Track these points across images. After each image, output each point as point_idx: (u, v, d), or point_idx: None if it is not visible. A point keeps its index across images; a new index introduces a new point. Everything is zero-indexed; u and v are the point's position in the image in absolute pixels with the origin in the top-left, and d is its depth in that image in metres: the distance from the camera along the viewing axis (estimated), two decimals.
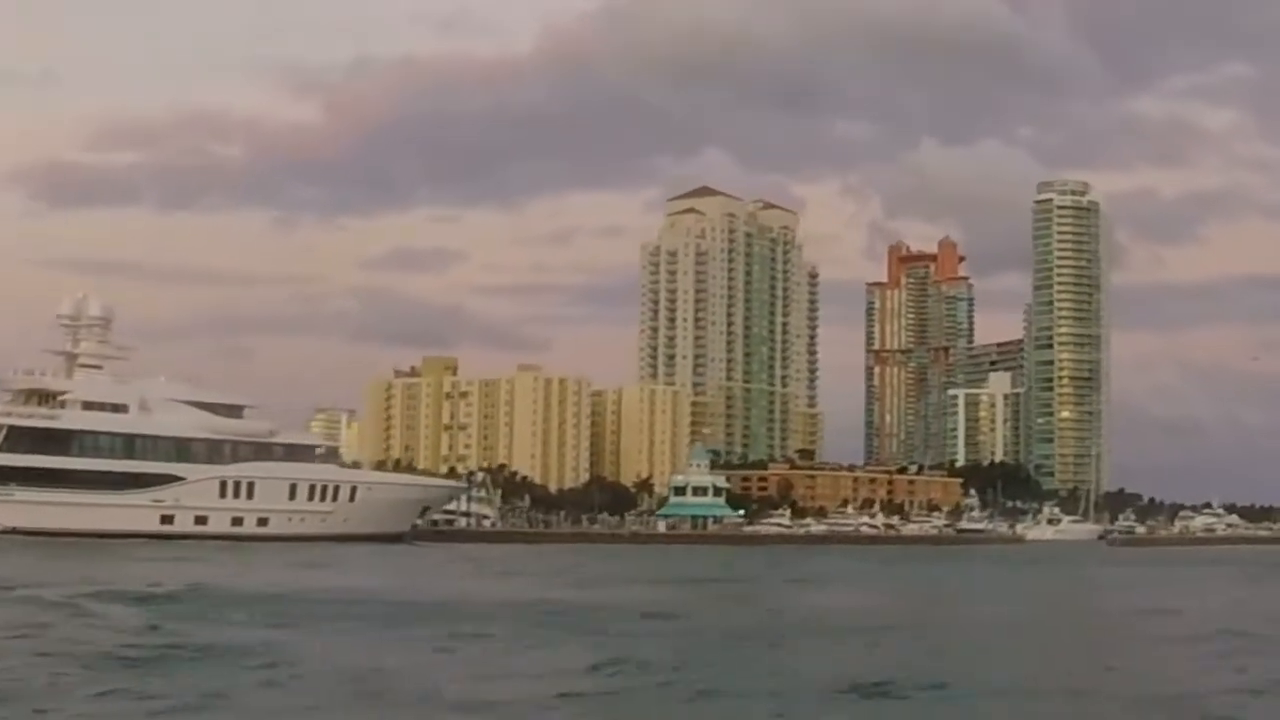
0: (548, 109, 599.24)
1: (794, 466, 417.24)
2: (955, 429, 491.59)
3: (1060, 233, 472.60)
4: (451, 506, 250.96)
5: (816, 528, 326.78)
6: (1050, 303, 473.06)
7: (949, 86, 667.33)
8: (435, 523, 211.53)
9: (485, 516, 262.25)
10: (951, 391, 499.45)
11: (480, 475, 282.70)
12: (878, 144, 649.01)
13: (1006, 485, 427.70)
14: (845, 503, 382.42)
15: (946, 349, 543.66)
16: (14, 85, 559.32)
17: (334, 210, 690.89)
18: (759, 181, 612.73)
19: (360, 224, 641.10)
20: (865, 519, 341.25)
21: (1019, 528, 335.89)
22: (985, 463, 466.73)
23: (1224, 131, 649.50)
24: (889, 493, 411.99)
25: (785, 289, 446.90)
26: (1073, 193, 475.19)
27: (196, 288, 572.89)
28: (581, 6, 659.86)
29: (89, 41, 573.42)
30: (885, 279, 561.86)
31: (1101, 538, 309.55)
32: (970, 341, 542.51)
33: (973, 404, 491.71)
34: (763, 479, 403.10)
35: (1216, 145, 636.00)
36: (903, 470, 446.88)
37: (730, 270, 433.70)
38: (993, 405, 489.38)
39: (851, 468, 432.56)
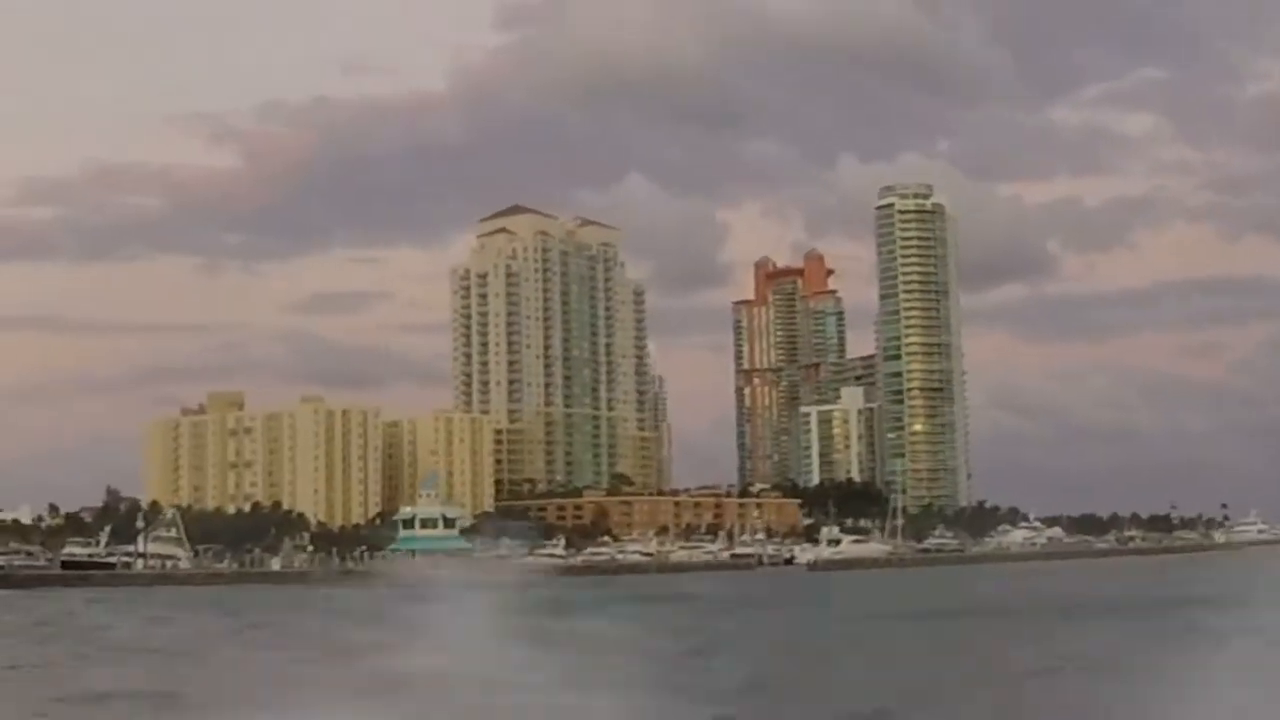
0: (463, 144, 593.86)
1: (610, 493, 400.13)
2: (809, 447, 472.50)
3: (904, 238, 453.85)
4: (132, 548, 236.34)
5: (576, 558, 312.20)
6: (896, 311, 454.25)
7: (866, 101, 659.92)
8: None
9: (171, 557, 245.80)
10: (804, 409, 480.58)
11: (170, 513, 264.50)
12: (796, 163, 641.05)
13: (852, 504, 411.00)
14: (664, 529, 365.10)
15: (817, 365, 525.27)
16: None
17: (255, 255, 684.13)
18: (681, 206, 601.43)
19: (281, 268, 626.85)
20: (637, 546, 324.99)
21: (797, 550, 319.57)
22: (841, 481, 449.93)
23: (1143, 136, 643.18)
24: (716, 517, 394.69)
25: (608, 308, 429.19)
26: (916, 196, 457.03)
27: (120, 338, 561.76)
28: (491, 41, 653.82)
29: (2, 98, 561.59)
30: (753, 297, 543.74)
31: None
32: (841, 356, 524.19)
33: (826, 421, 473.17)
34: (578, 507, 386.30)
35: (1137, 151, 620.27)
36: (745, 493, 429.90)
37: (545, 291, 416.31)
38: (846, 421, 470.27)
39: (675, 492, 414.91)
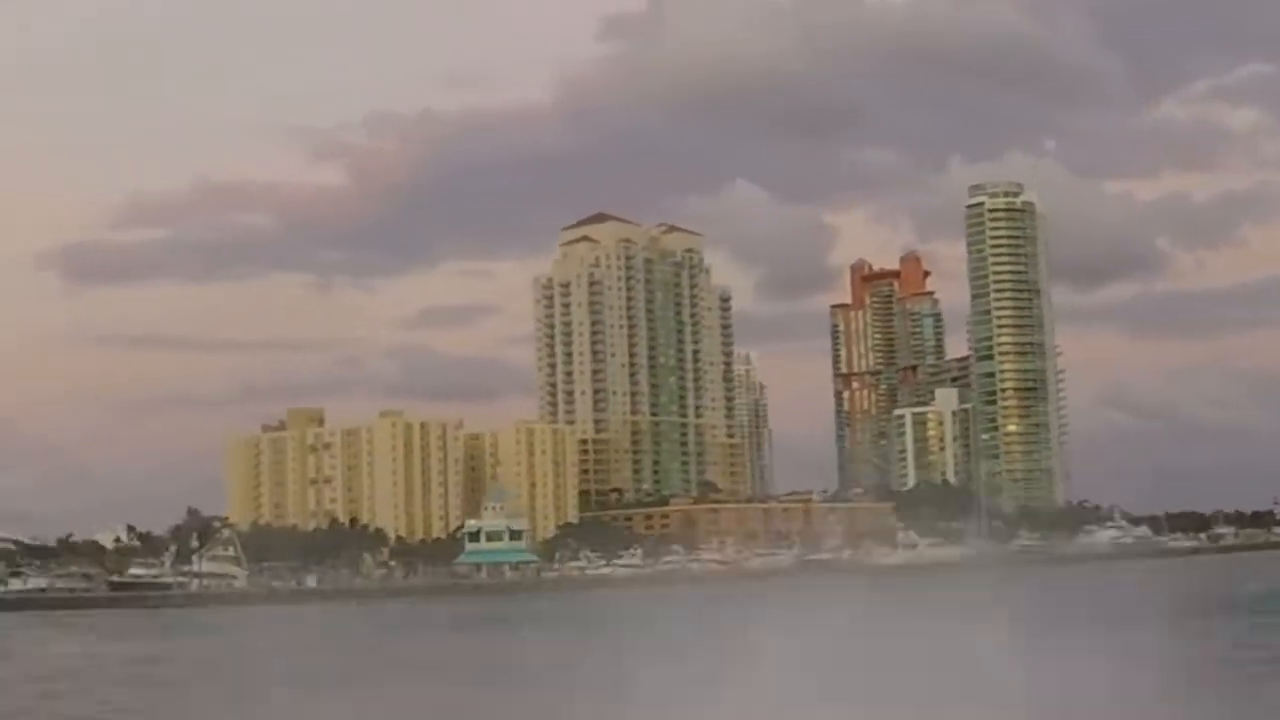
0: (568, 155, 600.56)
1: (696, 501, 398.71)
2: (904, 450, 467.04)
3: (994, 237, 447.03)
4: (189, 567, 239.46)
5: (660, 567, 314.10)
6: (987, 311, 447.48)
7: (972, 104, 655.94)
8: (43, 589, 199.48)
9: (228, 576, 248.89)
10: (898, 411, 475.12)
11: (226, 531, 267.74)
12: (904, 167, 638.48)
13: (947, 506, 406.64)
14: (752, 536, 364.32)
15: (914, 367, 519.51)
16: (34, 165, 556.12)
17: (365, 271, 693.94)
18: (789, 213, 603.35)
19: (390, 283, 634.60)
20: (714, 554, 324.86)
21: (876, 554, 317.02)
22: (937, 483, 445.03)
23: (1249, 131, 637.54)
24: (807, 523, 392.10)
25: (694, 315, 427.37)
26: (1005, 194, 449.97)
27: (230, 356, 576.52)
28: (594, 52, 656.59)
29: (105, 118, 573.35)
30: (850, 300, 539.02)
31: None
32: (940, 358, 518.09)
33: (920, 423, 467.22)
34: (664, 516, 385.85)
35: (1243, 145, 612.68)
36: (838, 497, 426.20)
37: (629, 299, 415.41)
38: (940, 423, 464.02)
39: (765, 499, 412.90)
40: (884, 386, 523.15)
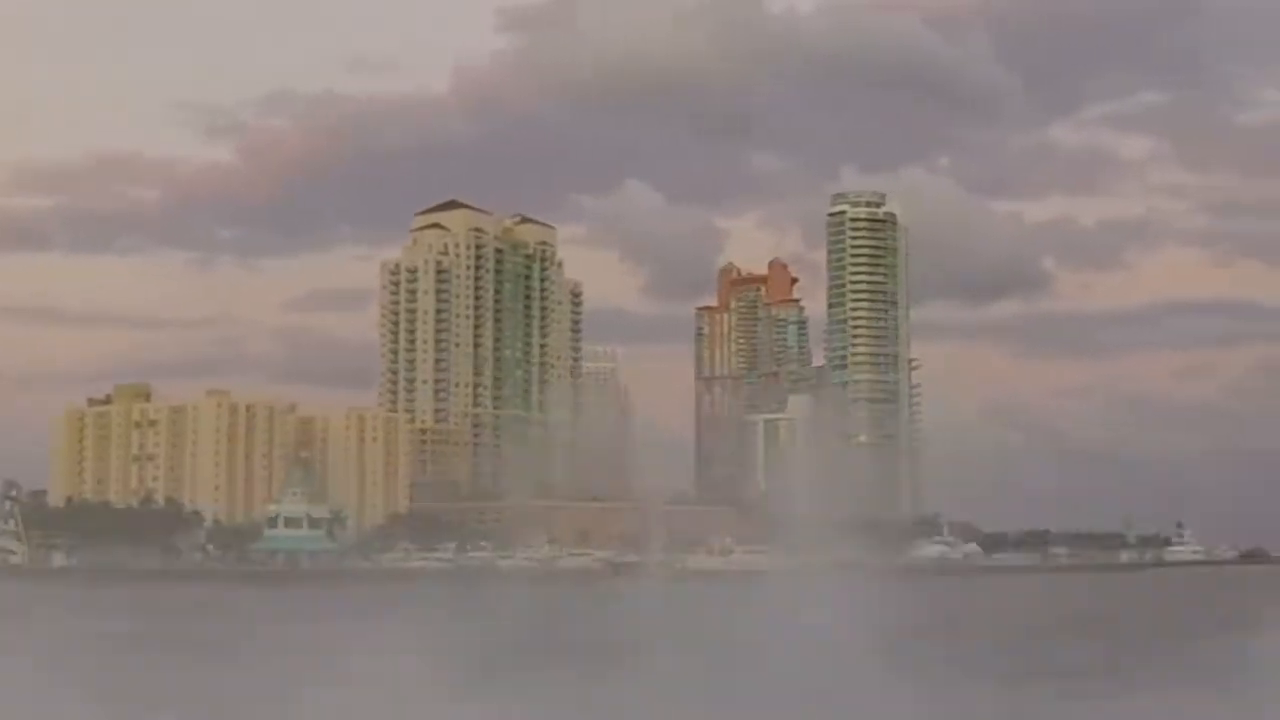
0: (466, 145, 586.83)
1: (533, 498, 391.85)
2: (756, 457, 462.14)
3: (854, 247, 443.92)
4: None
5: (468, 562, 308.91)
6: (844, 321, 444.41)
7: (873, 116, 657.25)
8: None
9: (6, 550, 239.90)
10: (750, 417, 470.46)
11: (7, 504, 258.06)
12: (799, 175, 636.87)
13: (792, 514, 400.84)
14: (585, 536, 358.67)
15: (776, 374, 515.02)
16: None
17: (252, 251, 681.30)
18: (681, 214, 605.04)
19: (279, 264, 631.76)
20: (526, 553, 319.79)
21: (690, 559, 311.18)
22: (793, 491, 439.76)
23: (1141, 159, 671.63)
24: (644, 525, 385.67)
25: (544, 308, 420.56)
26: (868, 204, 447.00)
27: (114, 330, 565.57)
28: (496, 44, 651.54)
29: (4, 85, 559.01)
30: (716, 304, 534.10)
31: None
32: (804, 365, 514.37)
33: (772, 430, 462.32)
34: (499, 511, 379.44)
35: (1134, 173, 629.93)
36: (680, 500, 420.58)
37: (478, 289, 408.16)
38: (792, 431, 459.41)
39: (604, 499, 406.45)
40: (745, 391, 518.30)
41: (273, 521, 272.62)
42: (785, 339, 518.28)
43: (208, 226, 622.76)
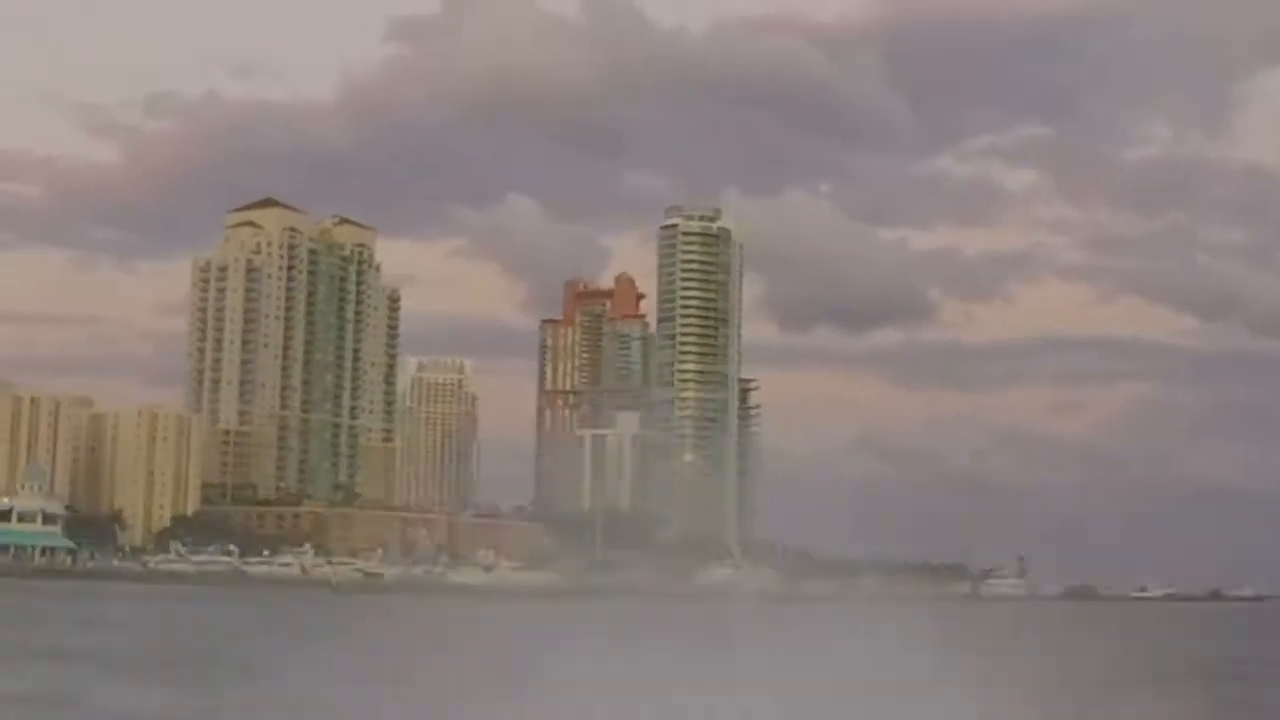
0: (348, 154, 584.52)
1: (332, 504, 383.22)
2: (582, 472, 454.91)
3: (685, 262, 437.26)
4: None
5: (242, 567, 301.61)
6: (673, 336, 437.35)
7: (755, 138, 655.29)
8: None
9: None
10: (579, 432, 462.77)
11: None
12: (679, 194, 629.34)
13: (616, 532, 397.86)
14: (382, 544, 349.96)
15: (618, 390, 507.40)
16: None
17: (131, 252, 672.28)
18: (563, 230, 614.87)
19: (157, 266, 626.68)
20: (289, 559, 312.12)
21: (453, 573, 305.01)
22: (611, 508, 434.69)
23: (1025, 192, 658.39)
24: (449, 536, 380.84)
25: (358, 312, 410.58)
26: (701, 218, 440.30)
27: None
28: (382, 53, 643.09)
29: None
30: (561, 317, 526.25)
31: None
32: (646, 382, 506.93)
33: (599, 446, 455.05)
34: (296, 516, 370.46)
35: (1018, 205, 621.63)
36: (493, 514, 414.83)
37: (289, 289, 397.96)
38: (620, 448, 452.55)
39: (406, 509, 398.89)
40: (586, 406, 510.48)
41: (5, 516, 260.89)
42: (629, 355, 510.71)
43: (88, 226, 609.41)
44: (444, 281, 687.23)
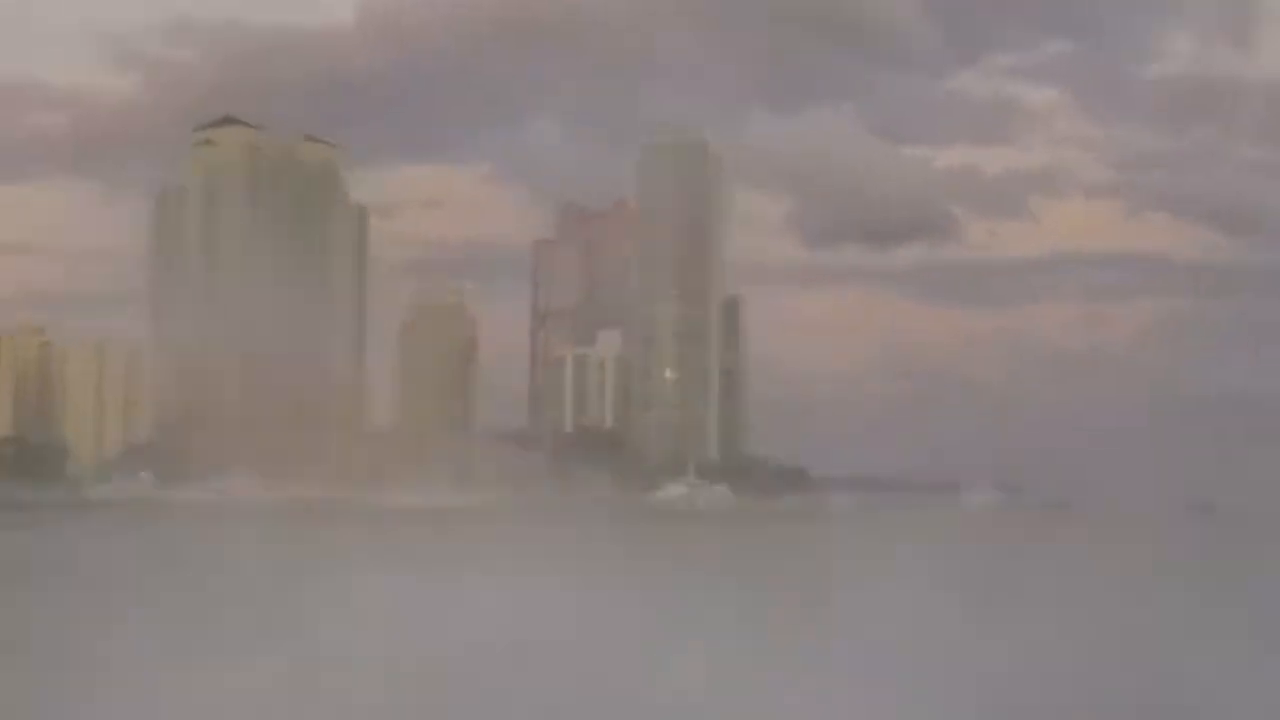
0: (371, 79, 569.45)
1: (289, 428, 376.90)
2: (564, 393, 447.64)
3: (664, 175, 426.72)
4: None
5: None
6: (654, 253, 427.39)
7: (779, 55, 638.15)
8: None
9: None
10: (560, 352, 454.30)
11: None
12: (702, 114, 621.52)
13: (596, 452, 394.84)
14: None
15: (602, 309, 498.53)
16: None
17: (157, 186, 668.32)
18: (588, 153, 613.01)
19: None
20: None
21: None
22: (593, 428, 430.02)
23: (1047, 109, 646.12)
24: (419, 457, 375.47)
25: (325, 231, 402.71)
26: (681, 134, 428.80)
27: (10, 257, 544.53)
28: None
29: None
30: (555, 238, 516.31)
31: None
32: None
33: (581, 365, 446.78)
34: (251, 440, 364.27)
35: (1041, 123, 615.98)
36: None
37: (254, 210, 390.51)
38: (602, 367, 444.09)
39: (372, 430, 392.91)
40: (570, 326, 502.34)
41: None
42: (621, 275, 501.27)
43: (116, 159, 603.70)
44: (469, 206, 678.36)
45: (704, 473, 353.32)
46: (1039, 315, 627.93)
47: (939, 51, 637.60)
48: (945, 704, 32.95)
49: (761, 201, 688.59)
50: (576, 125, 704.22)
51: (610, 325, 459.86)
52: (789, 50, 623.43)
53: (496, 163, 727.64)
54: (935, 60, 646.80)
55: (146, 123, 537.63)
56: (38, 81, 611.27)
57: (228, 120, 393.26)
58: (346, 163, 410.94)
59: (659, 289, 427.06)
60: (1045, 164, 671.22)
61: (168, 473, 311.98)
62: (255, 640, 36.76)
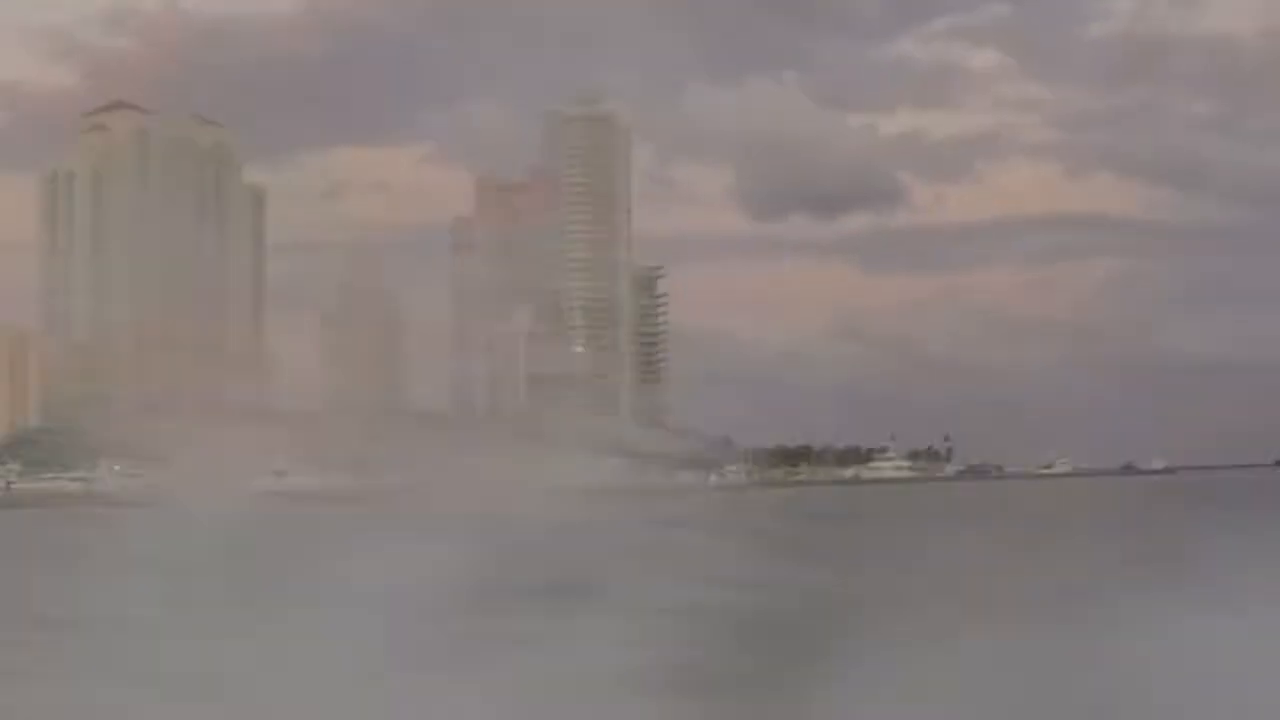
0: (314, 62, 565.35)
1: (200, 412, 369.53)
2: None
3: (570, 147, 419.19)
4: None
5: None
6: (560, 225, 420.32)
7: (715, 26, 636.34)
8: None
9: None
10: (473, 331, 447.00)
11: None
12: (640, 86, 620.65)
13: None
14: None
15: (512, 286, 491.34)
16: None
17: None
18: (528, 131, 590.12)
19: None
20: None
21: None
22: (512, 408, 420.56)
23: (989, 72, 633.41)
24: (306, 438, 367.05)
25: (219, 213, 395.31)
26: (584, 102, 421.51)
27: None
28: None
29: None
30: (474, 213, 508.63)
31: None
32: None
33: (494, 344, 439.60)
34: (150, 429, 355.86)
35: (982, 86, 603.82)
36: None
37: (143, 194, 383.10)
38: (514, 343, 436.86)
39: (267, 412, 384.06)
40: (499, 304, 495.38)
41: None
42: (539, 249, 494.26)
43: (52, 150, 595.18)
44: (411, 189, 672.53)
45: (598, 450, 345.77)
46: (987, 279, 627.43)
47: (878, 17, 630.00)
48: None
49: (704, 174, 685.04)
50: (512, 102, 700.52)
51: (522, 301, 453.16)
52: (726, 20, 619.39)
53: (438, 142, 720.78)
54: (875, 25, 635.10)
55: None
56: None
57: (117, 104, 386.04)
58: (244, 145, 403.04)
59: (565, 261, 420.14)
60: (989, 126, 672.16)
61: (42, 461, 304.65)
62: None
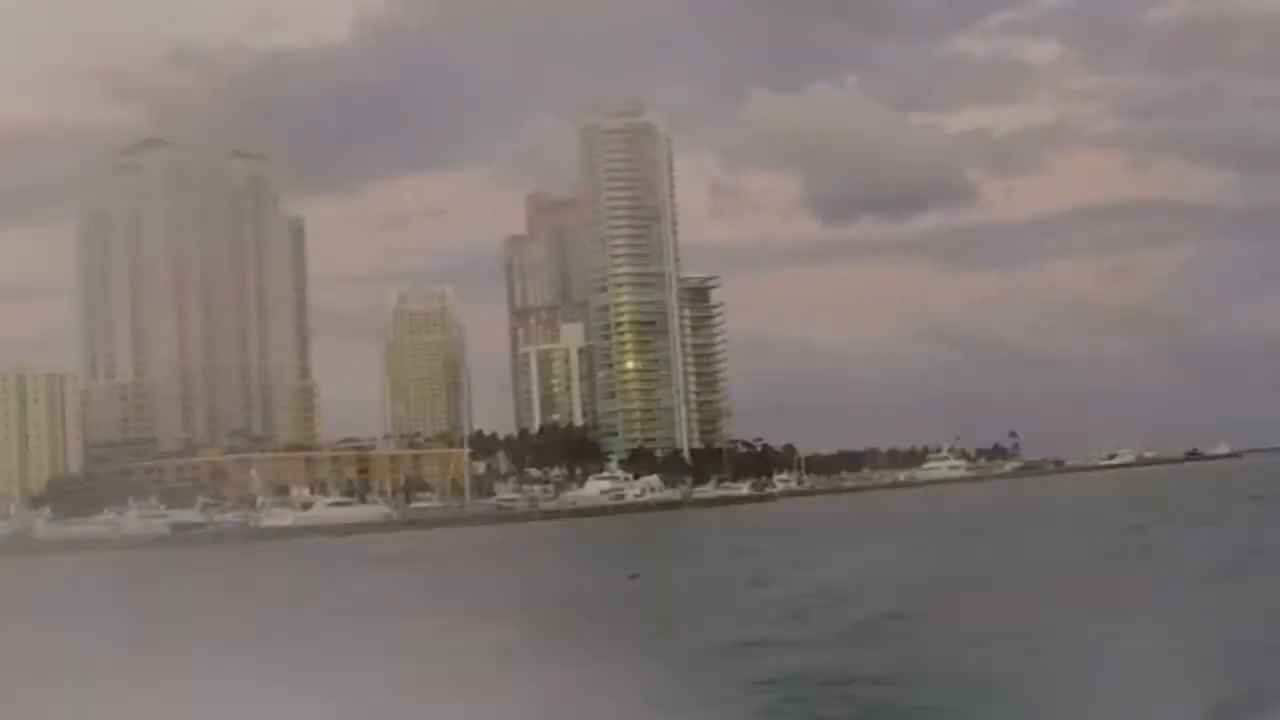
0: (373, 93, 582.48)
1: (229, 451, 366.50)
2: (530, 391, 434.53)
3: (610, 160, 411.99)
4: None
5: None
6: (603, 240, 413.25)
7: (776, 34, 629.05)
8: None
9: None
10: (524, 349, 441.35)
11: None
12: (705, 101, 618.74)
13: (551, 450, 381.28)
14: (286, 489, 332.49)
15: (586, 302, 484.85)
16: None
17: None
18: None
19: None
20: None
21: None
22: (562, 425, 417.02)
23: (1049, 64, 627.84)
24: (362, 473, 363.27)
25: (259, 248, 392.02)
26: (623, 114, 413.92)
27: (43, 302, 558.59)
28: None
29: None
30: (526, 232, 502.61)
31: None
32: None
33: (546, 361, 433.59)
34: (195, 467, 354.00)
35: (1044, 79, 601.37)
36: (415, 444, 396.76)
37: (179, 233, 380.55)
38: (566, 361, 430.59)
39: (314, 448, 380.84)
40: (533, 322, 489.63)
41: None
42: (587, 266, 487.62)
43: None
44: (472, 212, 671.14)
45: (641, 464, 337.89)
46: (1061, 271, 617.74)
47: (934, 16, 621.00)
48: None
49: (772, 182, 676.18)
50: (571, 118, 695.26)
51: (572, 319, 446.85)
52: (786, 28, 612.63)
53: (500, 165, 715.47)
54: (932, 24, 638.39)
55: None
56: (39, 122, 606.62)
57: (150, 142, 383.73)
58: (284, 175, 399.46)
59: (611, 276, 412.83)
60: (1054, 118, 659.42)
61: (76, 506, 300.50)
62: None
